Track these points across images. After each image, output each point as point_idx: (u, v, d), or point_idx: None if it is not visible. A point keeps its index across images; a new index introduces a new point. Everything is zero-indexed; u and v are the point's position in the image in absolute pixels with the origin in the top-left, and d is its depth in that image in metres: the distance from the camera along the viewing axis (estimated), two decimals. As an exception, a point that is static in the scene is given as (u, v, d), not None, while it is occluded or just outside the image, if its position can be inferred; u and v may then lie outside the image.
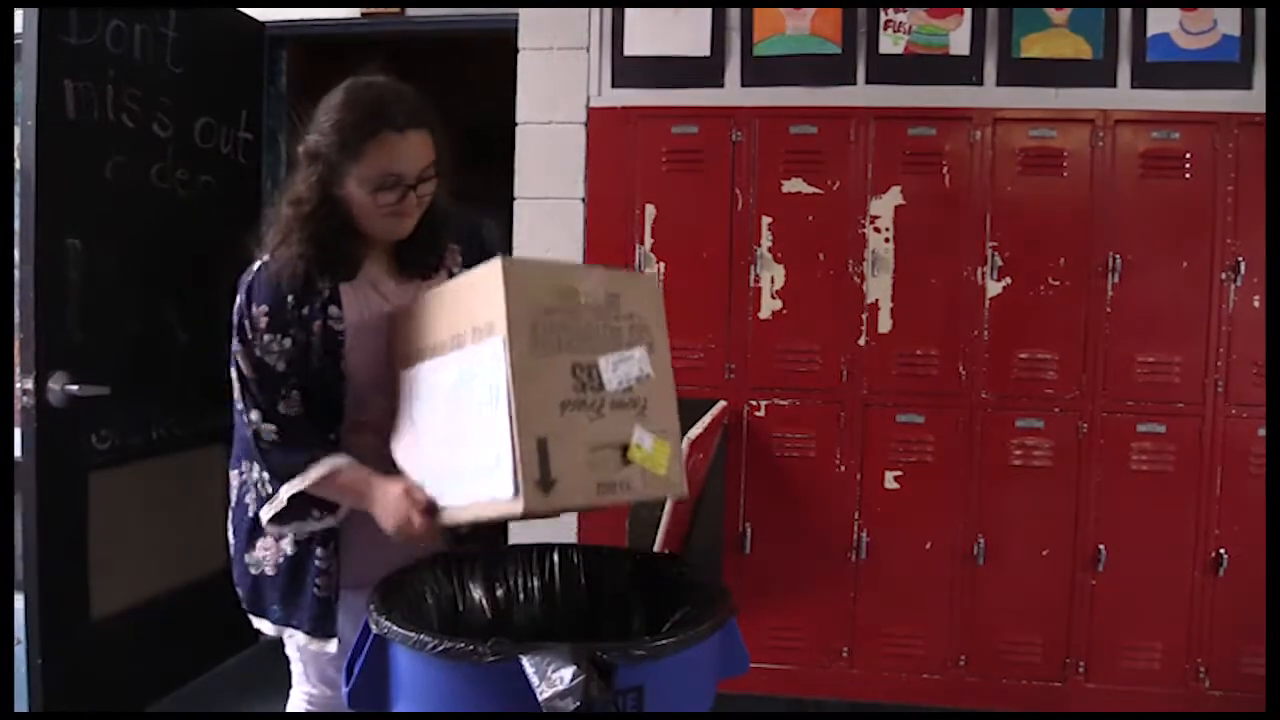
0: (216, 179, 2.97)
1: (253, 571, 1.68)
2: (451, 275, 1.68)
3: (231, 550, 1.75)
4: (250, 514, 1.67)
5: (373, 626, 1.40)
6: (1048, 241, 2.74)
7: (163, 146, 2.75)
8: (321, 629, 1.64)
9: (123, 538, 2.67)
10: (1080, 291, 2.73)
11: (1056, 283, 2.74)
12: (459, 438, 1.42)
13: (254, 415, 1.57)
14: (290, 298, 1.55)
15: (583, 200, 2.91)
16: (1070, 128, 2.74)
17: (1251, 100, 2.69)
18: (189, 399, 2.90)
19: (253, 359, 1.56)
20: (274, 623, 1.68)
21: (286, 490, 1.55)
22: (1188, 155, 2.68)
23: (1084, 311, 2.74)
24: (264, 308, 1.55)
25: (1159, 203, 2.70)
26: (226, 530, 1.77)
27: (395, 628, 1.35)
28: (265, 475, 1.56)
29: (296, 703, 1.81)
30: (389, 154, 1.49)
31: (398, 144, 1.49)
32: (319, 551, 1.63)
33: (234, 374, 1.60)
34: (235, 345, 1.58)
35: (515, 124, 2.94)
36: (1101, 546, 2.74)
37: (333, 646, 1.64)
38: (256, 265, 1.60)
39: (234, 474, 1.74)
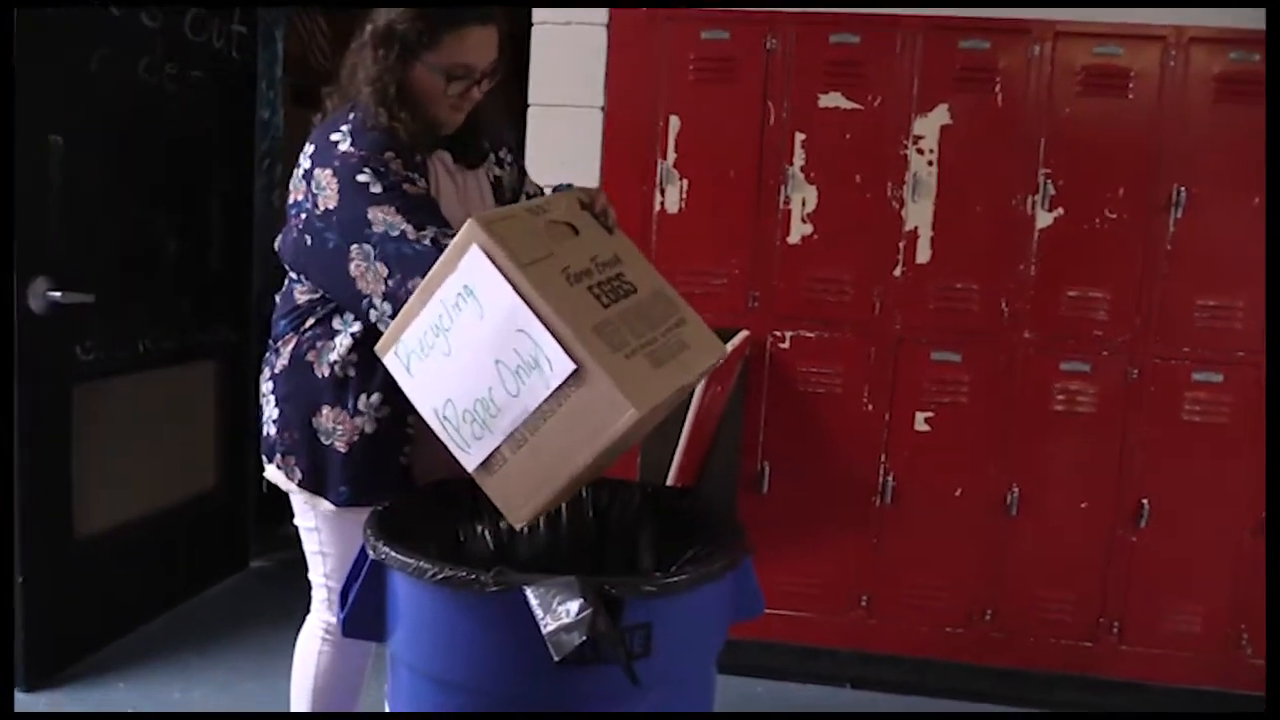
0: (208, 75, 2.95)
1: (322, 440, 1.69)
2: (496, 173, 1.86)
3: (273, 421, 1.75)
4: (320, 375, 1.68)
5: (370, 552, 1.42)
6: (1106, 171, 2.69)
7: (151, 38, 2.73)
8: (398, 495, 1.68)
9: (107, 454, 2.71)
10: (1139, 226, 2.69)
11: (1113, 216, 2.70)
12: None
13: (431, 230, 1.55)
14: (401, 141, 1.64)
15: (602, 109, 2.86)
16: (1139, 45, 2.66)
17: (1345, 19, 2.61)
18: (179, 311, 2.93)
19: (410, 190, 1.60)
20: (338, 503, 1.70)
21: None
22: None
23: (1141, 248, 2.69)
24: (390, 153, 1.62)
25: (1233, 132, 2.63)
26: (261, 404, 1.78)
27: (394, 554, 1.37)
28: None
29: (311, 632, 1.86)
30: (466, 44, 1.64)
31: (476, 35, 1.65)
32: (409, 418, 1.65)
33: (393, 213, 1.56)
34: (378, 186, 1.57)
35: (530, 24, 2.88)
36: (1145, 501, 2.74)
37: None
38: (347, 124, 1.65)
39: (287, 340, 1.74)
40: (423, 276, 1.49)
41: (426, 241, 1.53)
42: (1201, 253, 2.68)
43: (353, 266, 1.57)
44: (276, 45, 3.41)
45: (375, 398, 1.66)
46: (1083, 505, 2.78)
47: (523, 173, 1.95)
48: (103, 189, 2.62)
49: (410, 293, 1.50)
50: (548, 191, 1.90)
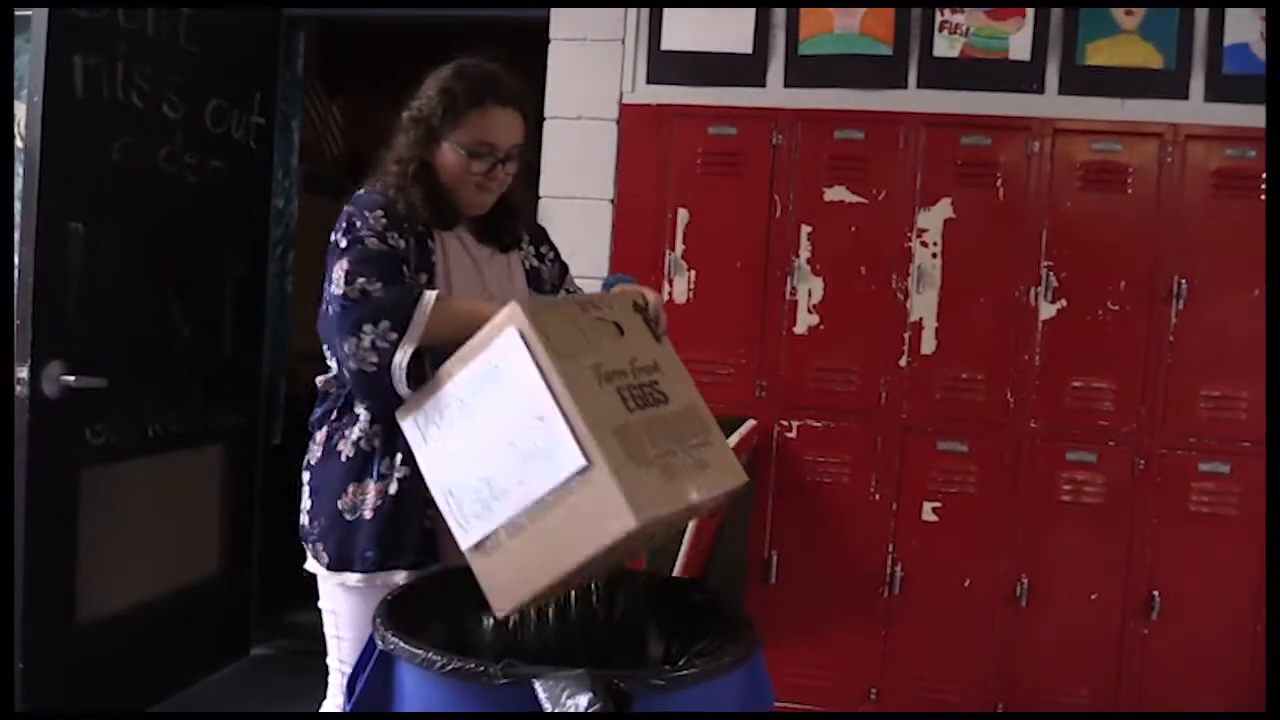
0: (227, 165, 3.02)
1: (348, 518, 1.70)
2: (534, 263, 1.90)
3: (307, 511, 1.78)
4: (345, 458, 1.71)
5: (378, 642, 1.42)
6: (1108, 263, 2.74)
7: (172, 129, 2.80)
8: (428, 561, 1.70)
9: (113, 539, 2.70)
10: (1141, 317, 2.73)
11: (1115, 307, 2.74)
12: None
13: (359, 281, 1.59)
14: (398, 210, 1.70)
15: (611, 202, 2.93)
16: (1136, 142, 2.74)
17: (1334, 118, 2.68)
18: (189, 396, 2.95)
19: (371, 245, 1.64)
20: (364, 570, 1.70)
21: (416, 321, 1.55)
22: (1264, 175, 2.67)
23: (1144, 339, 2.73)
24: (379, 212, 1.68)
25: (1231, 225, 2.69)
26: (301, 494, 1.81)
27: (402, 644, 1.37)
28: (385, 324, 1.55)
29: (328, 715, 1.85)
30: (488, 123, 1.70)
31: (498, 115, 1.71)
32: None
33: (341, 267, 1.61)
34: (344, 241, 1.64)
35: (542, 119, 2.97)
36: (1155, 593, 2.72)
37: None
38: (361, 190, 1.74)
39: (319, 432, 1.79)
40: (340, 336, 1.55)
41: (356, 294, 1.58)
42: (1204, 343, 2.71)
43: (335, 330, 1.62)
44: (293, 135, 3.50)
45: (397, 459, 1.69)
46: (1093, 596, 2.76)
47: (564, 270, 1.99)
48: (120, 275, 2.66)
49: (349, 355, 1.55)
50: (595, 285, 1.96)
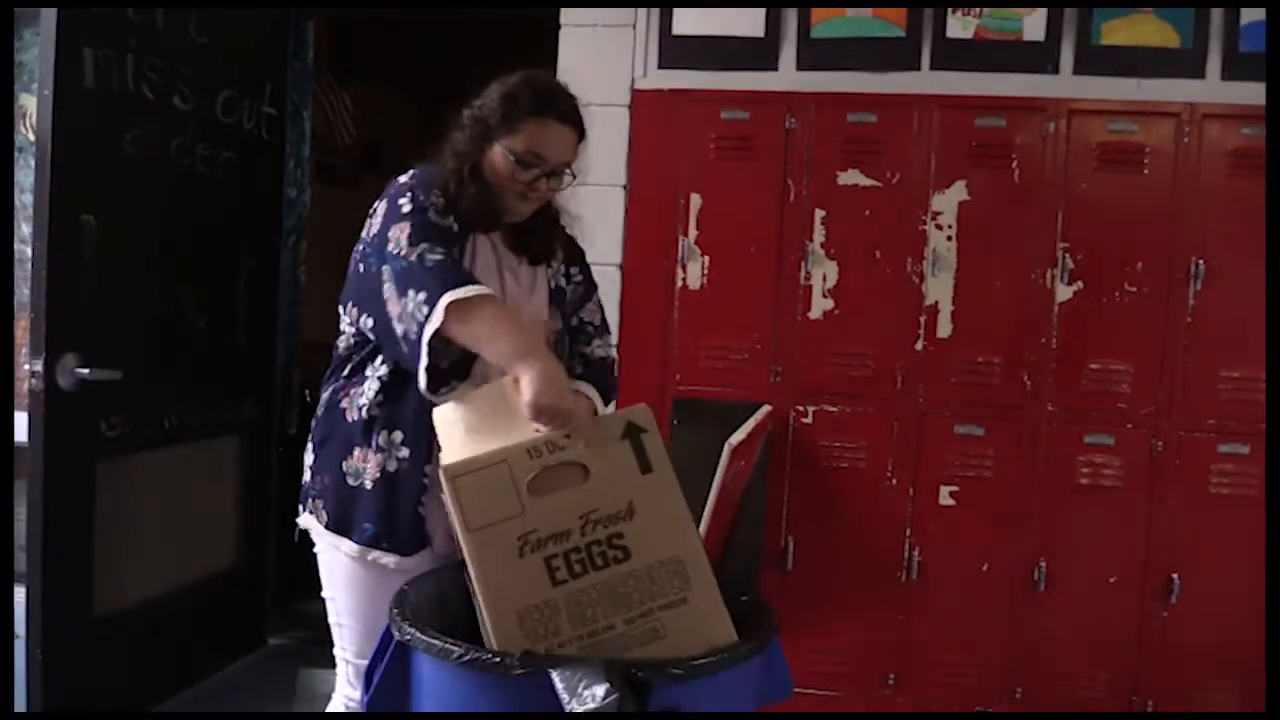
0: (238, 155, 3.01)
1: (350, 482, 1.73)
2: (560, 282, 1.90)
3: (310, 466, 1.80)
4: (351, 419, 1.73)
5: (395, 633, 1.41)
6: (1125, 244, 2.71)
7: (183, 120, 2.79)
8: (415, 547, 1.72)
9: (130, 531, 2.71)
10: (1159, 299, 2.70)
11: (1133, 289, 2.71)
12: None
13: (421, 246, 1.61)
14: (458, 202, 1.73)
15: (624, 188, 2.91)
16: (1153, 121, 2.70)
17: (1355, 95, 2.64)
18: (204, 387, 2.95)
19: (432, 217, 1.67)
20: (360, 542, 1.72)
21: (448, 298, 1.53)
22: (1266, 173, 2.63)
23: (1162, 321, 2.70)
24: (438, 192, 1.71)
25: (1249, 205, 2.64)
26: (305, 450, 1.83)
27: (420, 635, 1.36)
28: (422, 296, 1.55)
29: (335, 707, 1.85)
30: (543, 135, 1.73)
31: (554, 130, 1.74)
32: (426, 468, 1.69)
33: (404, 230, 1.63)
34: (408, 206, 1.67)
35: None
36: (1175, 576, 2.70)
37: (425, 558, 1.72)
38: (417, 169, 1.77)
39: (327, 387, 1.81)
40: (395, 294, 1.57)
41: (413, 258, 1.59)
42: (1223, 325, 2.68)
43: (385, 288, 1.62)
44: (304, 124, 3.49)
45: (397, 435, 1.70)
46: (1111, 580, 2.74)
47: (586, 297, 1.95)
48: (133, 267, 2.66)
49: (398, 315, 1.56)
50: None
